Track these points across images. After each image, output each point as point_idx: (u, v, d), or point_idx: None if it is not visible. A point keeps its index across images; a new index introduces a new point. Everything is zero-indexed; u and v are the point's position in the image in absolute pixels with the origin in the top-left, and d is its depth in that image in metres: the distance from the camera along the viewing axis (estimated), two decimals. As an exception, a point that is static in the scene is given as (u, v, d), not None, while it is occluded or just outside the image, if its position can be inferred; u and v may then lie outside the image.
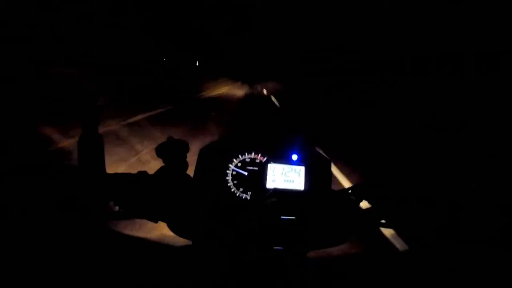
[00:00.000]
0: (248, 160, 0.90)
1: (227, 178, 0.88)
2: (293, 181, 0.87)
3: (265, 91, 23.88)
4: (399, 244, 2.19)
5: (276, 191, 0.75)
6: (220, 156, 0.89)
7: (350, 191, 0.78)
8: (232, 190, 0.88)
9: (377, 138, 6.14)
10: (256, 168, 0.89)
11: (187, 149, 0.77)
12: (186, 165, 0.77)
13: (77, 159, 0.69)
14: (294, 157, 0.88)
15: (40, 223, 0.61)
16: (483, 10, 5.49)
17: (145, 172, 0.71)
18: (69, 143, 3.65)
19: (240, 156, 0.89)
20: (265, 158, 0.89)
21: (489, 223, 0.67)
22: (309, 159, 0.88)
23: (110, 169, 0.72)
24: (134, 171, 0.71)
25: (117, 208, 0.67)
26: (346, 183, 3.44)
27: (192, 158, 0.79)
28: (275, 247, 0.69)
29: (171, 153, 0.75)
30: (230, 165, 0.89)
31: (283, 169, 0.87)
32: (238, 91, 22.98)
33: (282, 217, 0.67)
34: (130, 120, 6.36)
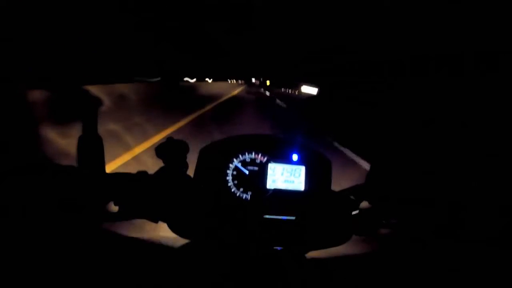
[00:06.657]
0: (248, 160, 0.89)
1: (227, 178, 0.88)
2: (293, 181, 0.87)
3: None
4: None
5: (276, 191, 0.75)
6: (220, 156, 0.89)
7: (350, 191, 0.78)
8: (232, 190, 0.88)
9: (377, 138, 6.13)
10: (257, 168, 0.89)
11: (187, 149, 0.77)
12: (186, 165, 0.77)
13: (76, 159, 0.69)
14: (295, 157, 0.88)
15: (40, 223, 0.61)
16: (483, 10, 5.49)
17: (145, 172, 0.71)
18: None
19: (240, 156, 0.89)
20: (265, 158, 0.89)
21: (489, 223, 0.67)
22: (309, 159, 0.88)
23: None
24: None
25: (117, 208, 0.67)
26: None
27: (192, 157, 0.79)
28: (275, 247, 0.69)
29: (171, 153, 0.75)
30: (230, 165, 0.89)
31: (283, 169, 0.87)
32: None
33: (282, 217, 0.67)
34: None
